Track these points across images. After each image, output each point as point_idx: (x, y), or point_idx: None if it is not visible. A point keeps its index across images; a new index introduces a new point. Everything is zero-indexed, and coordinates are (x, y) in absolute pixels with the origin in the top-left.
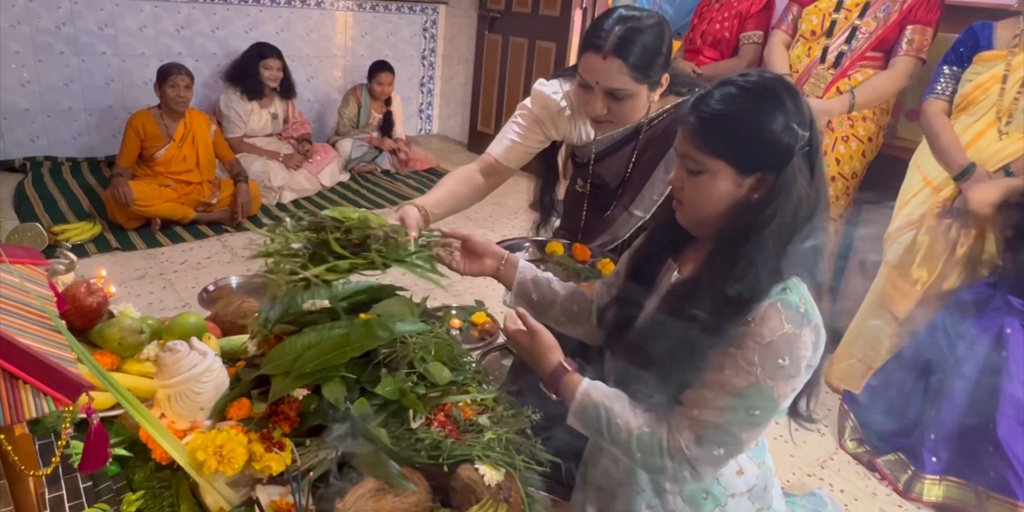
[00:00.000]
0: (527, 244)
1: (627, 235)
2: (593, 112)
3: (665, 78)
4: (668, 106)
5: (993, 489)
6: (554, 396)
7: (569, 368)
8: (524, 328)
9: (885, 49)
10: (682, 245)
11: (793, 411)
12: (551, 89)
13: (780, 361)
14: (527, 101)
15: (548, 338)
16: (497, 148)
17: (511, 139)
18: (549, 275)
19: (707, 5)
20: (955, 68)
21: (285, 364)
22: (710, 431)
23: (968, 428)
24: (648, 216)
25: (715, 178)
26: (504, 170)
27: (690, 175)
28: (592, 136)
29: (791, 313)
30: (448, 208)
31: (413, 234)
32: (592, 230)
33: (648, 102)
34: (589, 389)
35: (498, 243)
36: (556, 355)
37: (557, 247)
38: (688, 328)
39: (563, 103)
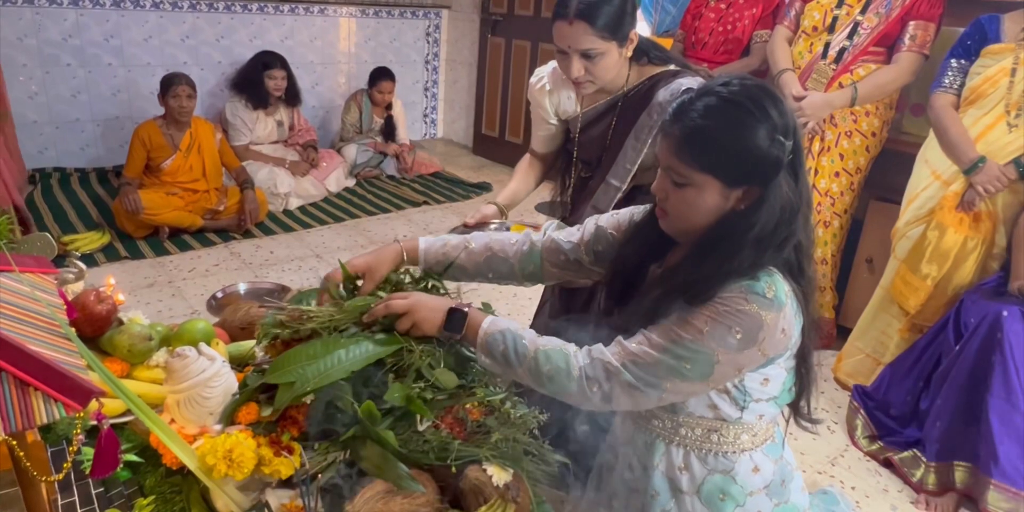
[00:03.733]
0: (492, 225)
1: (609, 208)
2: (572, 74)
3: (634, 34)
4: (645, 77)
5: (982, 468)
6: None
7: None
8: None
9: (887, 45)
10: (664, 251)
11: (794, 411)
12: (536, 76)
13: (733, 331)
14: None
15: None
16: (533, 140)
17: (535, 133)
18: (452, 242)
19: (704, 5)
20: (962, 61)
21: (288, 374)
22: (637, 366)
23: (967, 410)
24: (624, 186)
25: (702, 192)
26: (538, 155)
27: (675, 187)
28: (577, 109)
29: (756, 297)
30: (524, 193)
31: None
32: (579, 203)
33: (623, 60)
34: (494, 320)
35: (461, 225)
36: (445, 299)
37: (520, 229)
38: (656, 309)
39: (542, 82)
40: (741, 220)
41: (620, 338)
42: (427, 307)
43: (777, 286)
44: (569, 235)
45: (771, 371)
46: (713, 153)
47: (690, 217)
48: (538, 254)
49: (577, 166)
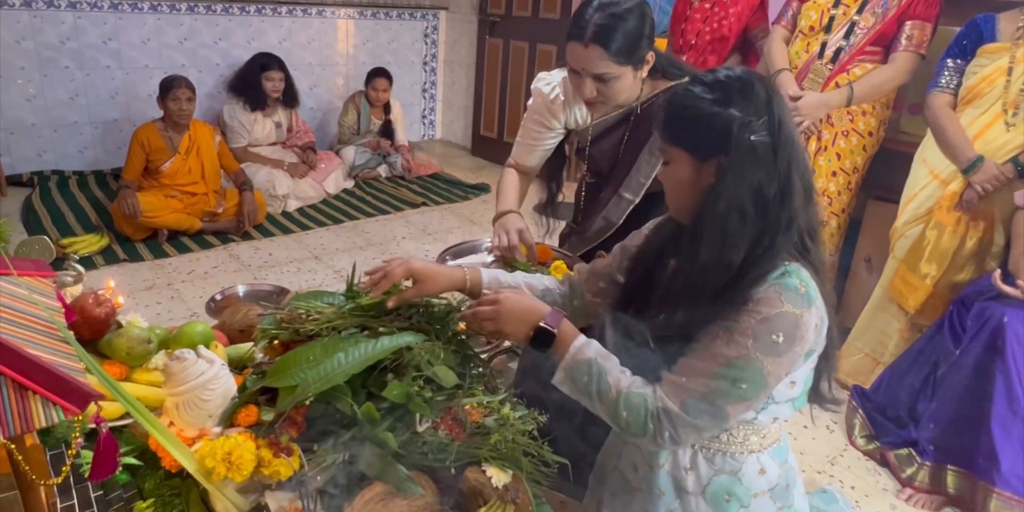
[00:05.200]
0: (489, 242)
1: (620, 220)
2: (584, 95)
3: (650, 56)
4: (658, 90)
5: (982, 476)
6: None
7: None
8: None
9: (884, 44)
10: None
11: (814, 396)
12: (544, 82)
13: (774, 337)
14: (530, 101)
15: (527, 294)
16: (515, 151)
17: (521, 141)
18: (508, 278)
19: (689, 6)
20: (959, 61)
21: (290, 378)
22: (695, 399)
23: (965, 416)
24: (638, 199)
25: (678, 166)
26: (527, 169)
27: (664, 166)
28: (588, 120)
29: (791, 295)
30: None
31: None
32: (589, 216)
33: (637, 80)
34: (584, 345)
35: (458, 244)
36: (543, 305)
37: (520, 247)
38: (687, 315)
39: (555, 92)
40: (711, 197)
41: (667, 374)
42: (514, 319)
43: (807, 283)
44: (602, 261)
45: (799, 374)
46: (679, 127)
47: (674, 193)
48: (579, 286)
49: (583, 173)
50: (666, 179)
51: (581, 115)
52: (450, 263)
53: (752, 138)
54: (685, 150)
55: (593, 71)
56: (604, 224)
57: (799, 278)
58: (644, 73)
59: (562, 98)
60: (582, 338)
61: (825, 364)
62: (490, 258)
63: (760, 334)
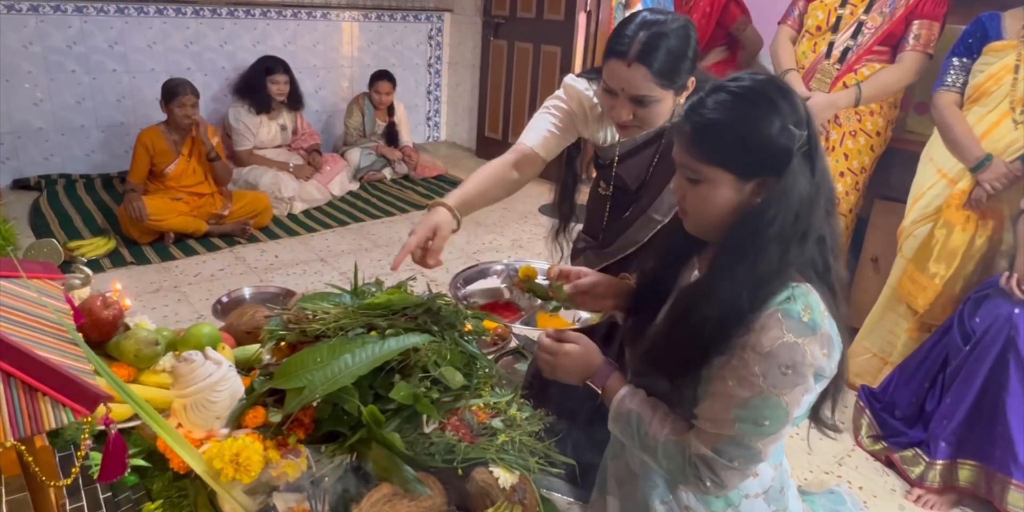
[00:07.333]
0: (499, 266)
1: (645, 239)
2: (619, 117)
3: (691, 82)
4: None
5: (999, 469)
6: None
7: (613, 367)
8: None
9: (892, 44)
10: (688, 254)
11: (815, 418)
12: (582, 85)
13: (782, 369)
14: (560, 92)
15: (590, 342)
16: (533, 138)
17: (548, 130)
18: None
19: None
20: (964, 59)
21: (297, 379)
22: (724, 444)
23: (979, 409)
24: (667, 220)
25: (715, 187)
26: (540, 161)
27: (691, 184)
28: (616, 138)
29: (793, 323)
30: (476, 208)
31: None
32: (612, 233)
33: (674, 106)
34: (626, 397)
35: (468, 268)
36: (600, 356)
37: (532, 271)
38: (693, 334)
39: (595, 100)
40: (760, 215)
41: (695, 421)
42: (568, 373)
43: (813, 307)
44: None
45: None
46: (721, 146)
47: (706, 214)
48: None
49: (608, 192)
50: (697, 199)
51: (611, 132)
52: (461, 293)
53: (799, 155)
54: (725, 170)
55: (634, 92)
56: (627, 242)
57: (804, 303)
58: (683, 99)
59: (599, 109)
60: (625, 390)
61: (832, 389)
62: (502, 283)
63: (767, 370)
